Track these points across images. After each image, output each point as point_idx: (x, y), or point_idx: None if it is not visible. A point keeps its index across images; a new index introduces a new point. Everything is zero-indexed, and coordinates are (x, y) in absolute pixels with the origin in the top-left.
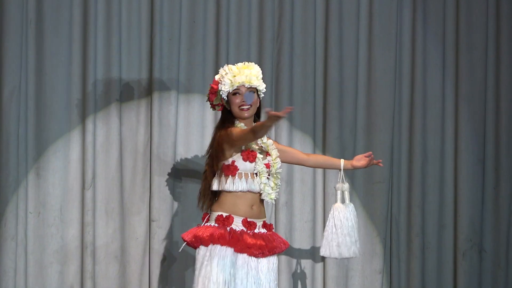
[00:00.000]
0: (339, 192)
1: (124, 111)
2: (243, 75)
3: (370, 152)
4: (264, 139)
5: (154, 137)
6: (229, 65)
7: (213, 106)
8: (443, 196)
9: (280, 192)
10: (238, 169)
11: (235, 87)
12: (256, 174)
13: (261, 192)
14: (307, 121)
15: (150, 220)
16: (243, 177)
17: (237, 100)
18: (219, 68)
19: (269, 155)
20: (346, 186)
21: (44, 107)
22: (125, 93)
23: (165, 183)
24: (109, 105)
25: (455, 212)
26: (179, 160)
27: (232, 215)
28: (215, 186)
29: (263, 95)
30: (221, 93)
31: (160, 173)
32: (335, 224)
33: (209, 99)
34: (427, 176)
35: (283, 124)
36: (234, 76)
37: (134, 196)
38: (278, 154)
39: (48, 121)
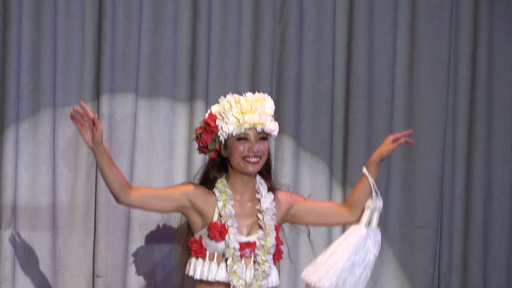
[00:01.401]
0: (368, 212)
1: (60, 120)
2: (255, 113)
3: (389, 137)
4: (266, 197)
5: None
6: (234, 95)
7: (203, 150)
8: None
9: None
10: (206, 248)
11: (242, 130)
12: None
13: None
14: (321, 138)
15: (93, 275)
16: (215, 260)
17: (241, 147)
18: (195, 62)
19: (261, 227)
20: (379, 204)
21: None
22: (61, 95)
23: (116, 223)
24: (38, 111)
25: None
26: None
27: None
28: (186, 270)
29: (272, 140)
30: (219, 134)
31: (110, 209)
32: (349, 251)
33: (198, 139)
34: (492, 219)
35: (286, 143)
36: (243, 113)
37: (71, 240)
38: (274, 226)
39: None
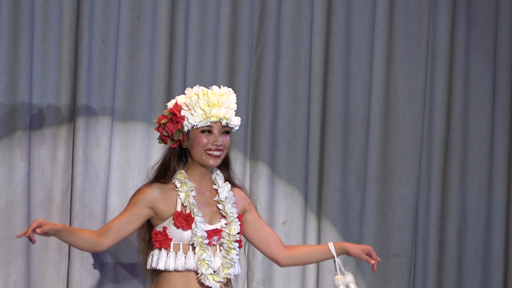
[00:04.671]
0: None
1: (35, 143)
2: (222, 106)
3: (370, 248)
4: (223, 186)
5: (77, 181)
6: (201, 87)
7: (165, 139)
8: (488, 275)
9: (255, 265)
10: (172, 239)
11: (208, 123)
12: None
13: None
14: (296, 166)
15: None
16: (181, 250)
17: (205, 140)
18: (172, 87)
19: (224, 216)
20: (348, 278)
21: None
22: (36, 117)
23: None
24: (12, 134)
25: None
26: (112, 216)
27: None
28: (148, 263)
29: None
30: (183, 125)
31: None
32: None
33: (161, 129)
34: (466, 248)
35: (261, 170)
36: (210, 106)
37: (46, 266)
38: (236, 214)
39: None
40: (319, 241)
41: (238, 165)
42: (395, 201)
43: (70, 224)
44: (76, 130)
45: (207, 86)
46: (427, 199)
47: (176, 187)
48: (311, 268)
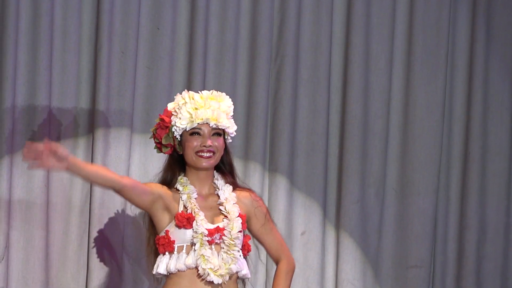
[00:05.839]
0: None
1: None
2: (208, 109)
3: None
4: (224, 189)
5: (96, 192)
6: (189, 91)
7: (160, 147)
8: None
9: (272, 274)
10: (175, 241)
11: (195, 125)
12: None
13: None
14: (315, 177)
15: None
16: (184, 251)
17: (195, 142)
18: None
19: (226, 216)
20: None
21: None
22: (55, 128)
23: (110, 258)
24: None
25: None
26: (132, 227)
27: None
28: (154, 269)
29: (230, 140)
30: (173, 130)
31: (103, 244)
32: None
33: (155, 136)
34: (485, 260)
35: (280, 182)
36: (196, 108)
37: (64, 275)
38: (238, 213)
39: None
40: (337, 252)
41: (256, 176)
42: (414, 213)
43: (89, 234)
44: (95, 141)
45: None
46: (446, 210)
47: (179, 191)
48: (330, 278)
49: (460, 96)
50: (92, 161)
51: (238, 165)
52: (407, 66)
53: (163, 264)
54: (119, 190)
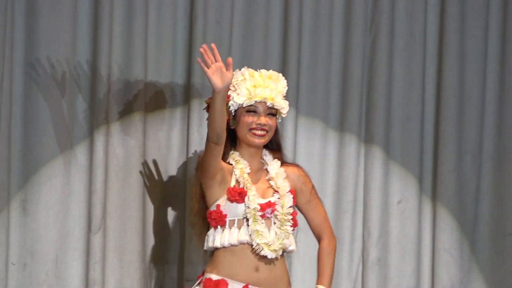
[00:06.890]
0: None
1: (150, 124)
2: (267, 88)
3: None
4: (273, 164)
5: (191, 162)
6: (249, 69)
7: None
8: None
9: (370, 244)
10: (226, 215)
11: (252, 102)
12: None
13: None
14: (411, 146)
15: (183, 280)
16: (235, 225)
17: (250, 119)
18: (286, 69)
19: (277, 191)
20: None
21: (34, 116)
22: (151, 99)
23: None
24: (129, 114)
25: None
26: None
27: (226, 280)
28: (205, 245)
29: (280, 119)
30: (230, 104)
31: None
32: None
33: (209, 108)
34: None
35: (376, 154)
36: (255, 86)
37: (163, 244)
38: (288, 188)
39: (40, 135)
40: (434, 221)
41: (352, 147)
42: (511, 180)
43: (185, 205)
44: (191, 111)
45: (322, 67)
46: None
47: (231, 165)
48: (427, 247)
49: None
50: (188, 131)
51: (333, 136)
52: (503, 31)
53: (218, 239)
54: (219, 140)
